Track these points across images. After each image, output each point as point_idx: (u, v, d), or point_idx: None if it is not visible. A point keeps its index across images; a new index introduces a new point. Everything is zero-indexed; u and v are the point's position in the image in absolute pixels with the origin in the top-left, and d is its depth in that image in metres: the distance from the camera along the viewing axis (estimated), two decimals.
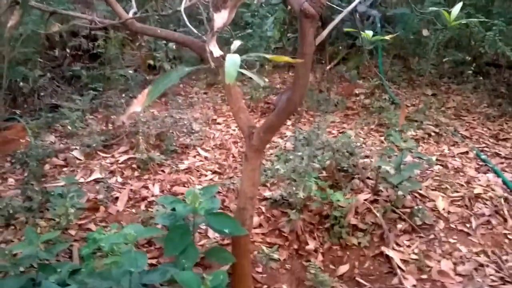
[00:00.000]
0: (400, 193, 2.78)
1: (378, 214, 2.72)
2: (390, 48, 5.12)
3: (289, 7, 4.42)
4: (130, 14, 2.13)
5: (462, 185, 3.09)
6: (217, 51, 2.15)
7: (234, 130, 3.99)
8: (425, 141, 3.73)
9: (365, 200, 2.86)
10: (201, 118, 4.14)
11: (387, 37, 2.58)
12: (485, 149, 3.65)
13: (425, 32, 4.45)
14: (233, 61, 1.14)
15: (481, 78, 5.16)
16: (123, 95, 4.47)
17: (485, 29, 3.97)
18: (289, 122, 3.99)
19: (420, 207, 2.76)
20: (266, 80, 5.29)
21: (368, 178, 3.10)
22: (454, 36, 4.95)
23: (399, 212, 2.77)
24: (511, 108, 4.28)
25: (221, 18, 2.06)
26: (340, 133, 3.86)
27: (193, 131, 3.81)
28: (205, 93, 5.02)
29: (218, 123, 4.19)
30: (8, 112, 3.93)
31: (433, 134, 3.82)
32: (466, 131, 3.94)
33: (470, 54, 5.11)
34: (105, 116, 3.94)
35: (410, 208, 2.79)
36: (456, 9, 2.31)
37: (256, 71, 4.73)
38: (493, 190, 3.02)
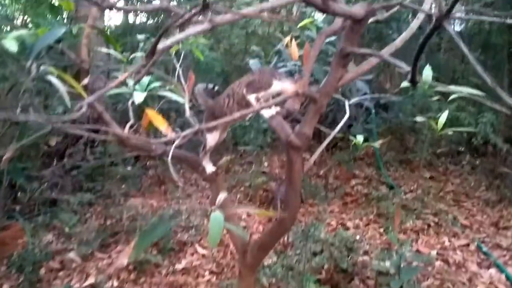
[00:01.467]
0: None
1: None
2: (385, 133, 5.20)
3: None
4: (126, 130, 2.21)
5: (464, 283, 3.02)
6: (209, 168, 2.23)
7: None
8: (425, 232, 3.69)
9: None
10: (198, 209, 4.13)
11: (377, 144, 2.65)
12: (486, 239, 3.60)
13: (419, 118, 4.55)
14: (216, 223, 1.17)
15: (478, 160, 5.20)
16: (123, 185, 4.52)
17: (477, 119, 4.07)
18: None
19: None
20: (266, 164, 5.34)
21: (368, 277, 3.04)
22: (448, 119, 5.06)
23: None
24: (509, 194, 4.26)
25: (213, 139, 2.16)
26: (339, 223, 3.84)
27: (190, 225, 3.80)
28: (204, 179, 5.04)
29: None
30: (7, 208, 3.94)
31: (432, 224, 3.78)
32: (466, 220, 3.91)
33: (465, 136, 5.19)
34: (103, 210, 3.95)
35: None
36: (442, 119, 2.40)
37: (254, 155, 4.70)
38: None
